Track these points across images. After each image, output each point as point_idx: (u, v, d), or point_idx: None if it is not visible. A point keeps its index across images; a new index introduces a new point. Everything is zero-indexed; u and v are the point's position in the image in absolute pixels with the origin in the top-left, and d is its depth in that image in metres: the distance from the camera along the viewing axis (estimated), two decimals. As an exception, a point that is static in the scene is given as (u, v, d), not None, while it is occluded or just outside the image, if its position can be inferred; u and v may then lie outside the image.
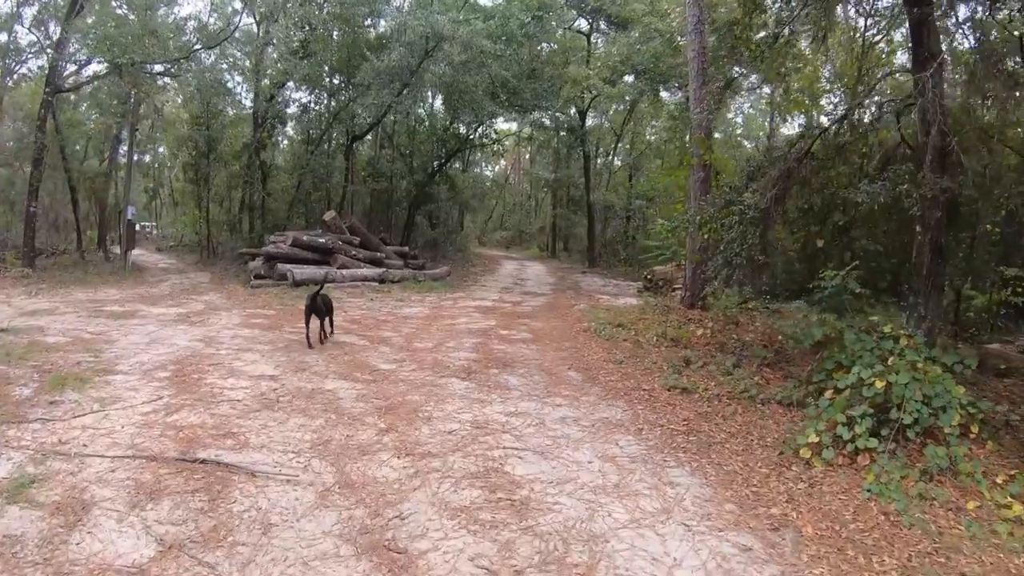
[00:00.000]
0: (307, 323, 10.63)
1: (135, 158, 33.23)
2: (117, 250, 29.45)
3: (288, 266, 20.09)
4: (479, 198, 43.39)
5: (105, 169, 33.03)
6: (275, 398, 7.42)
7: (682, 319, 13.07)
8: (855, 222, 9.93)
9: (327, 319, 11.20)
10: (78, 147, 33.89)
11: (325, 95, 29.53)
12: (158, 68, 25.33)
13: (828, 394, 6.89)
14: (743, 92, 26.65)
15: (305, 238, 21.38)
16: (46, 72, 25.15)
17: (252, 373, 8.51)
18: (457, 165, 39.38)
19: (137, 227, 55.76)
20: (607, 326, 12.52)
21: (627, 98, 31.08)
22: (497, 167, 58.29)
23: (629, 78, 29.74)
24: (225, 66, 28.57)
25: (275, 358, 9.48)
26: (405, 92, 24.44)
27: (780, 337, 11.16)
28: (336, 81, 28.92)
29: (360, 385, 8.14)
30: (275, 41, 26.11)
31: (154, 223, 50.09)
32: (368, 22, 28.18)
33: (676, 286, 18.90)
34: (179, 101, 34.05)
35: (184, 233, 38.08)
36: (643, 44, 27.19)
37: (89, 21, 23.95)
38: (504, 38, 25.77)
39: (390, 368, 9.12)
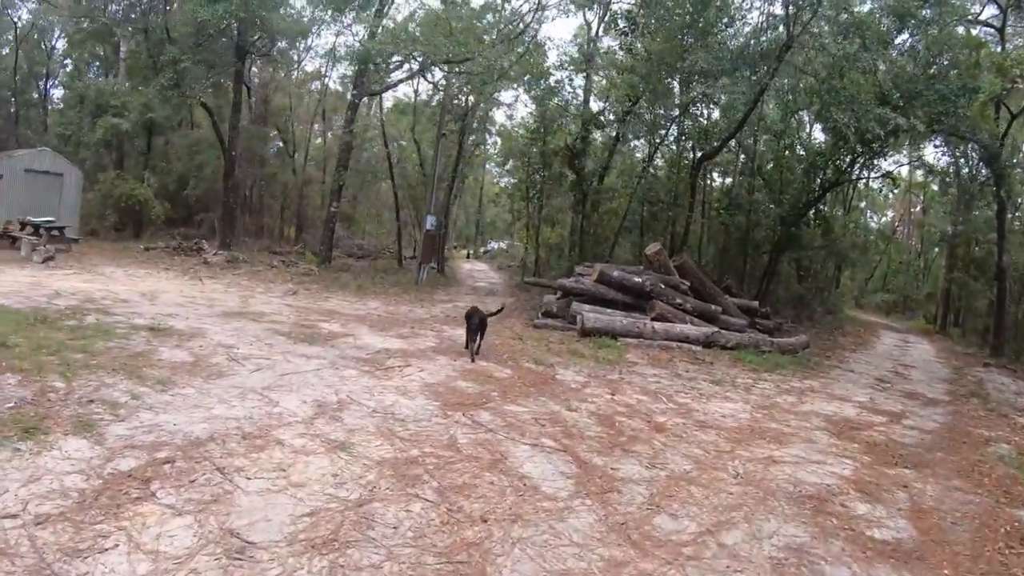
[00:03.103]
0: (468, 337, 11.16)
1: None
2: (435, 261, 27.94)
3: (584, 307, 15.47)
4: (860, 250, 35.02)
5: (419, 177, 31.60)
6: None
7: None
8: None
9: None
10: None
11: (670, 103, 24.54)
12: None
13: None
14: None
15: (616, 273, 16.51)
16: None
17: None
18: (838, 211, 32.44)
19: (494, 245, 56.93)
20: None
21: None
22: (884, 217, 50.11)
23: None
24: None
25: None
26: (768, 84, 18.72)
27: None
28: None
29: None
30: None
31: (510, 241, 50.11)
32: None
33: None
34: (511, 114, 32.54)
35: (523, 255, 36.17)
36: None
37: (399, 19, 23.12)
38: (893, 15, 19.02)
39: None
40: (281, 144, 39.65)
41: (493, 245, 59.24)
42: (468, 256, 53.95)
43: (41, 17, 36.00)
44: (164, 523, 4.19)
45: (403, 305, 17.89)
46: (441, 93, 27.21)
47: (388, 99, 39.01)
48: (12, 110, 38.21)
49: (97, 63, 37.89)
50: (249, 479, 5.01)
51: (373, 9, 23.60)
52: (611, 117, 26.83)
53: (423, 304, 17.92)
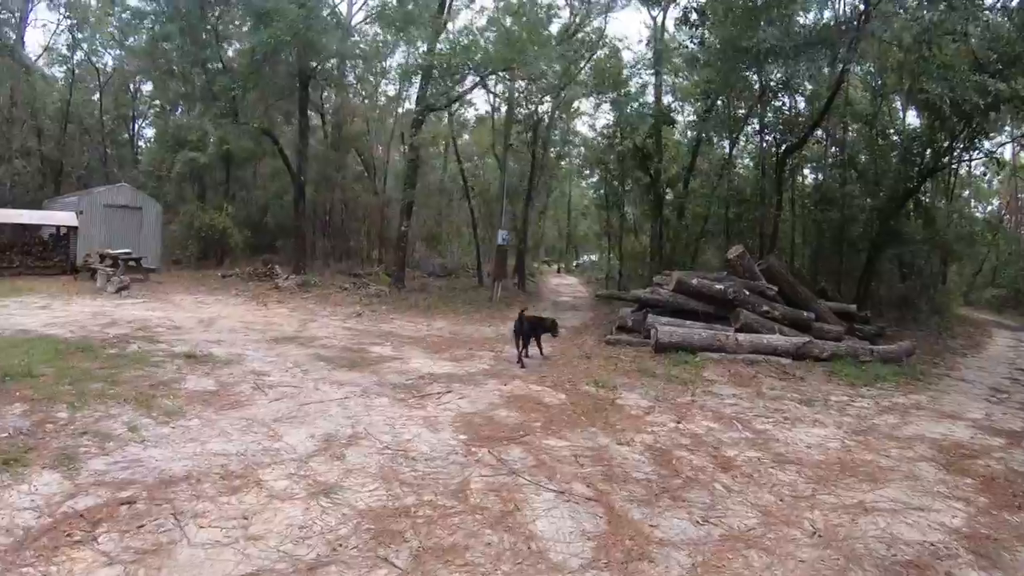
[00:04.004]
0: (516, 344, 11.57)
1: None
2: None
3: (660, 320, 14.34)
4: (966, 242, 32.14)
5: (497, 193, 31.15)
6: None
7: None
8: None
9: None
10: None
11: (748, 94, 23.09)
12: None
13: None
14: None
15: (695, 281, 15.20)
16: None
17: None
18: (940, 202, 29.98)
19: (586, 258, 55.82)
20: None
21: None
22: (990, 206, 47.51)
23: None
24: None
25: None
26: (850, 59, 17.13)
27: None
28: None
29: None
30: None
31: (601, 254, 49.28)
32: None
33: None
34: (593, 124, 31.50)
35: (607, 267, 35.40)
36: None
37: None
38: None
39: None
40: (361, 167, 39.55)
41: (585, 258, 58.41)
42: (558, 270, 53.32)
43: (123, 62, 37.07)
44: (91, 572, 3.93)
45: (471, 324, 17.14)
46: (505, 103, 26.51)
47: (471, 117, 38.95)
48: (103, 150, 39.49)
49: (180, 101, 38.77)
50: (202, 528, 4.54)
51: (430, 28, 22.89)
52: (691, 118, 25.95)
53: (492, 323, 17.04)
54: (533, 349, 12.25)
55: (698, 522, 5.21)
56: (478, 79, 23.45)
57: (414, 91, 30.25)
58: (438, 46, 22.20)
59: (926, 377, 13.41)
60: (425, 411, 7.90)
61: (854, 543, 4.99)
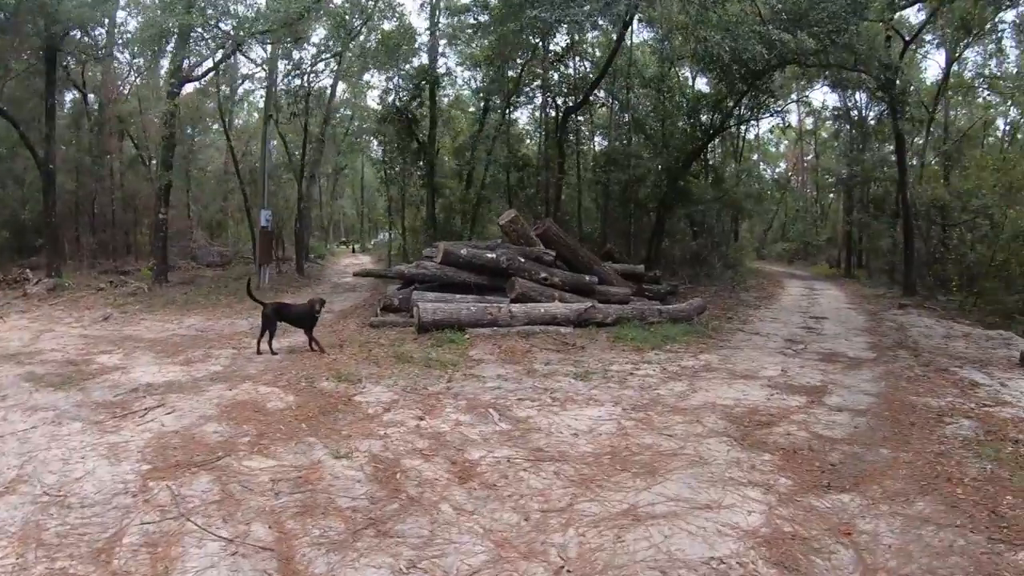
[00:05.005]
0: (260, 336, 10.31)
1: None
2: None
3: (427, 296, 12.96)
4: (755, 200, 33.14)
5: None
6: None
7: None
8: None
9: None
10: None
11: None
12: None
13: None
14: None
15: (464, 251, 13.78)
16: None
17: None
18: (730, 164, 30.59)
19: (383, 236, 53.86)
20: None
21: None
22: (778, 168, 50.66)
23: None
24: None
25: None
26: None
27: None
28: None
29: None
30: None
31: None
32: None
33: None
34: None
35: (388, 243, 34.17)
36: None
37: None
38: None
39: None
40: (135, 151, 35.69)
41: (382, 236, 56.38)
42: (353, 250, 51.15)
43: None
44: None
45: (228, 318, 15.00)
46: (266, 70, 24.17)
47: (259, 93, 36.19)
48: None
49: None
50: None
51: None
52: (478, 84, 24.86)
53: (252, 314, 15.03)
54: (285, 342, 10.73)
55: (401, 570, 3.62)
56: (236, 45, 20.86)
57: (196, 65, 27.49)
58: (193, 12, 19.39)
59: (719, 333, 12.72)
60: (118, 435, 6.08)
61: (616, 573, 3.54)
